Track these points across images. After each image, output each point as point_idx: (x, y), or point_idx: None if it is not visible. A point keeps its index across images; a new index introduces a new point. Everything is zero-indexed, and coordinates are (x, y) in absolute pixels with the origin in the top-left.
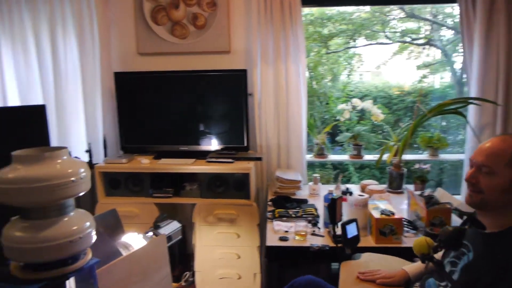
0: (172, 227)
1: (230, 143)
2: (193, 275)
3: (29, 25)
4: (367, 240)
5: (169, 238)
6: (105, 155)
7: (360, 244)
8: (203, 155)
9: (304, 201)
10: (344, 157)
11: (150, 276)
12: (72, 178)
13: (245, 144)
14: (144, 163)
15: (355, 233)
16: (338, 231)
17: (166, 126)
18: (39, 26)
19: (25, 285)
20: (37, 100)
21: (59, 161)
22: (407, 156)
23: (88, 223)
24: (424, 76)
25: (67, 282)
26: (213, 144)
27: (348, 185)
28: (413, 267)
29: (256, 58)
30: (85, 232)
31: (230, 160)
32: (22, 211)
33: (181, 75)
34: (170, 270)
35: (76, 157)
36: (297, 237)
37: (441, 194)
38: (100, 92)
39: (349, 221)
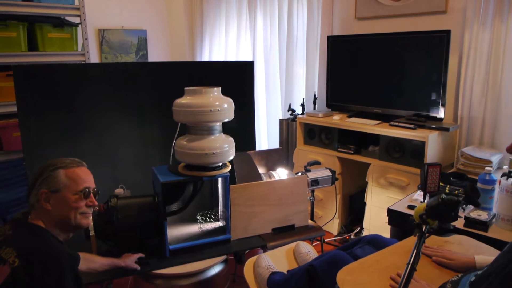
0: (321, 173)
1: (423, 110)
2: (362, 231)
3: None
4: (506, 234)
5: (315, 181)
6: (314, 109)
7: (494, 235)
8: (393, 119)
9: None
10: None
11: (285, 206)
12: (211, 108)
13: (439, 112)
14: (335, 119)
15: None
16: None
17: (365, 87)
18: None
19: (182, 177)
20: (275, 60)
21: (211, 95)
22: None
23: (225, 145)
24: None
25: (219, 180)
26: (405, 109)
27: None
28: (488, 259)
29: (470, 17)
30: (219, 150)
31: (411, 126)
32: (187, 128)
33: (384, 37)
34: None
35: (292, 110)
36: None
37: None
38: (318, 55)
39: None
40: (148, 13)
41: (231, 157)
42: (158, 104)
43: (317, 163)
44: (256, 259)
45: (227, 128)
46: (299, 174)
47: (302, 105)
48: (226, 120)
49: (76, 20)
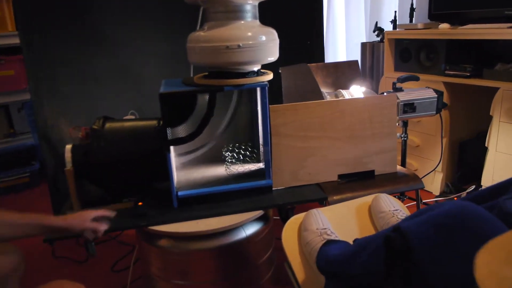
0: (420, 94)
1: None
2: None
3: None
4: None
5: (409, 105)
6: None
7: None
8: None
9: None
10: None
11: (360, 140)
12: None
13: None
14: (442, 28)
15: None
16: None
17: None
18: None
19: (195, 87)
20: None
21: None
22: None
23: (261, 36)
24: None
25: (258, 98)
26: None
27: None
28: None
29: None
30: (251, 42)
31: None
32: (206, 14)
33: None
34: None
35: (380, 30)
36: None
37: None
38: None
39: None
40: None
41: (272, 57)
42: (194, 11)
43: (413, 78)
44: (304, 217)
45: (286, 38)
46: (384, 94)
47: (394, 20)
48: None
49: None
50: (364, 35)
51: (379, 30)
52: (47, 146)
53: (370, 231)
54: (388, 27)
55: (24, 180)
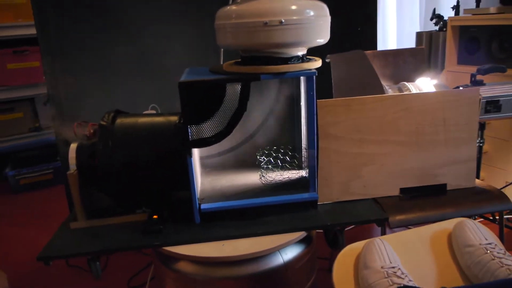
0: (506, 89)
1: None
2: None
3: None
4: None
5: (493, 104)
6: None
7: None
8: None
9: None
10: None
11: (428, 146)
12: None
13: None
14: None
15: None
16: None
17: None
18: None
19: (228, 75)
20: None
21: None
22: None
23: (308, 11)
24: None
25: (301, 89)
26: None
27: None
28: None
29: None
30: (295, 17)
31: None
32: None
33: None
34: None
35: (439, 17)
36: None
37: None
38: None
39: None
40: None
41: (322, 39)
42: None
43: (498, 69)
44: (364, 248)
45: (332, 22)
46: (460, 88)
47: (457, 6)
48: None
49: None
50: (417, 23)
51: (437, 17)
52: (63, 143)
53: (453, 272)
54: (448, 14)
55: (48, 177)
